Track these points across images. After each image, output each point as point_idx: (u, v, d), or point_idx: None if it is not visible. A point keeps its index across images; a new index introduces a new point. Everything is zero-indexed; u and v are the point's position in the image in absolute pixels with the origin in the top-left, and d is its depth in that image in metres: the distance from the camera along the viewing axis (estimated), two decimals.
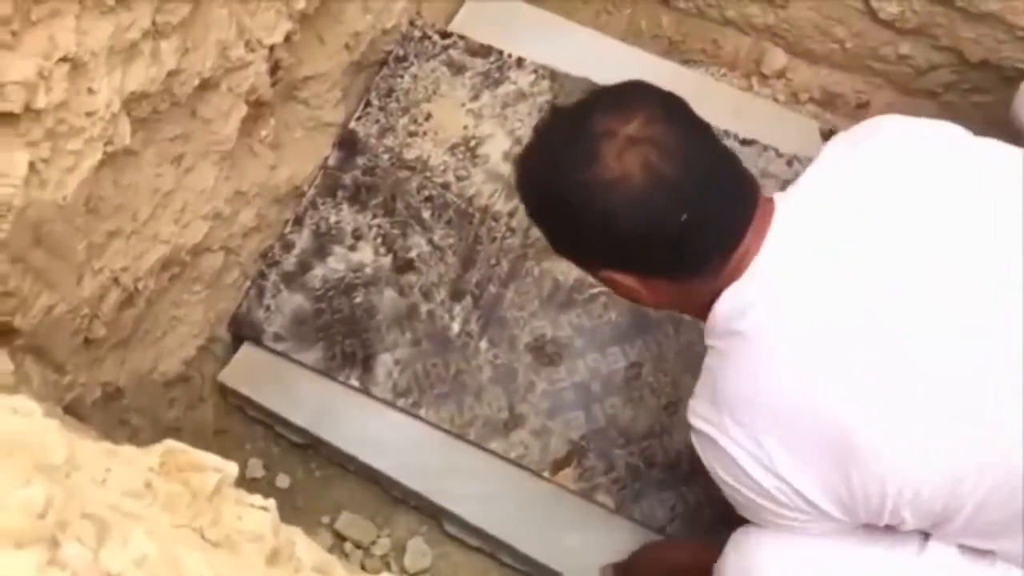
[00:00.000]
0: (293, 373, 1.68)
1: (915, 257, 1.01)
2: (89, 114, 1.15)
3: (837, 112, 1.93)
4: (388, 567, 1.61)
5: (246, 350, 1.70)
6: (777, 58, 1.95)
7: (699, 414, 1.10)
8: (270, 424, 1.71)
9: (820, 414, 1.00)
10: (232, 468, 0.63)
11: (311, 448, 1.69)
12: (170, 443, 0.61)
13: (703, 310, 1.08)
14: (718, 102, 1.86)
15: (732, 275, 1.03)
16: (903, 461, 0.99)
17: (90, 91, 1.15)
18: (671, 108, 1.04)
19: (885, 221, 1.02)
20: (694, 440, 1.11)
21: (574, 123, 1.02)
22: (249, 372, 1.69)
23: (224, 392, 1.71)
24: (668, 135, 0.99)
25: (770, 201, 1.06)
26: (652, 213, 0.99)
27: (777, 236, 1.02)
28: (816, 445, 1.01)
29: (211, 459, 0.62)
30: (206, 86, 1.40)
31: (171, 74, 1.30)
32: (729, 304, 1.04)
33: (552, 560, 1.55)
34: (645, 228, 1.00)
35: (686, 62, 1.99)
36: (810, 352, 1.01)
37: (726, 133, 1.78)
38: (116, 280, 1.36)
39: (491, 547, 1.61)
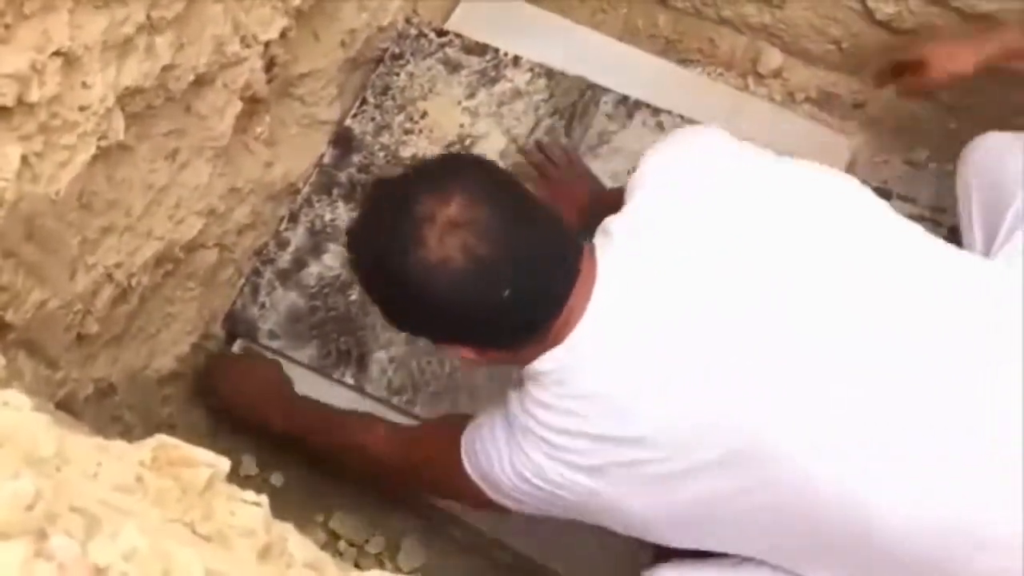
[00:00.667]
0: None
1: (725, 299, 1.05)
2: (83, 108, 1.15)
3: (834, 113, 1.93)
4: (382, 565, 1.60)
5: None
6: (773, 58, 1.95)
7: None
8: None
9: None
10: (224, 463, 0.63)
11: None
12: (161, 438, 0.61)
13: None
14: (714, 102, 1.87)
15: (557, 336, 1.06)
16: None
17: (84, 85, 1.14)
18: (488, 185, 1.06)
19: (700, 261, 1.07)
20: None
21: (397, 205, 1.05)
22: None
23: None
24: (485, 216, 1.02)
25: (591, 259, 1.08)
26: (474, 293, 1.02)
27: (597, 299, 1.05)
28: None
29: (203, 454, 0.62)
30: (201, 82, 1.40)
31: (165, 69, 1.29)
32: (547, 367, 1.07)
33: (549, 558, 1.55)
34: (470, 306, 1.04)
35: (682, 61, 1.99)
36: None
37: None
38: (109, 276, 1.35)
39: (488, 546, 1.60)
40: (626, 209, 1.12)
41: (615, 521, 1.12)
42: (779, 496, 1.03)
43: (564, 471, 1.07)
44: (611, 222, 1.11)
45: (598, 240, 1.11)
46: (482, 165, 1.12)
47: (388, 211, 1.05)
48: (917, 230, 1.13)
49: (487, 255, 1.01)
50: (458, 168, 1.09)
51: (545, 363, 1.07)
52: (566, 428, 1.06)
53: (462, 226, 1.00)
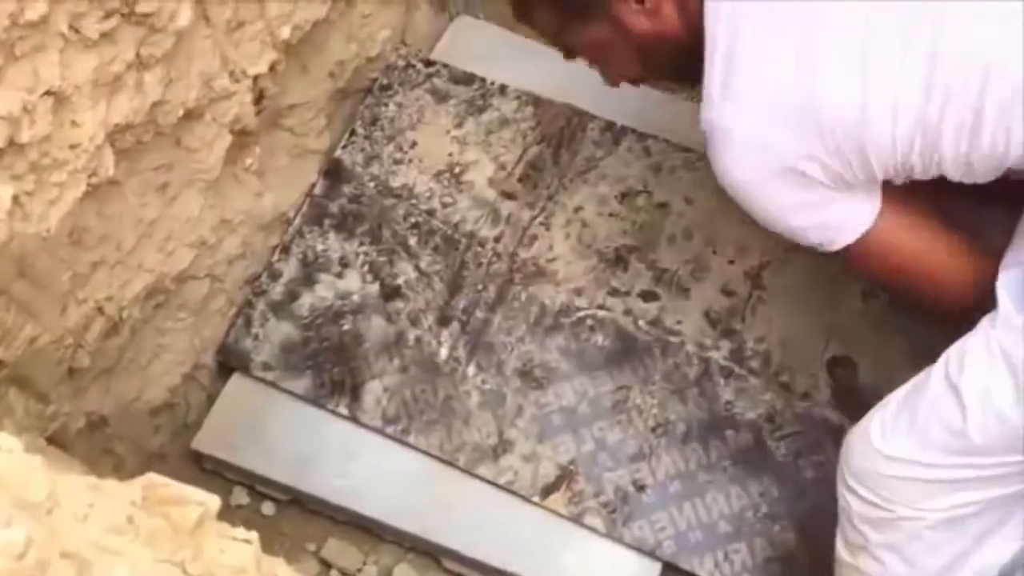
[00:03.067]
0: (269, 424, 1.66)
1: None
2: (73, 147, 1.16)
3: None
4: None
5: (216, 411, 1.68)
6: None
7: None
8: (251, 484, 1.67)
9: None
10: (214, 501, 0.63)
11: None
12: (151, 477, 0.61)
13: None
14: (696, 123, 1.87)
15: None
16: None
17: (74, 124, 1.16)
18: None
19: None
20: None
21: None
22: (223, 434, 1.66)
23: (199, 459, 1.67)
24: None
25: None
26: None
27: None
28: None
29: (193, 492, 0.62)
30: (190, 116, 1.41)
31: (155, 105, 1.30)
32: None
33: None
34: None
35: (665, 86, 2.00)
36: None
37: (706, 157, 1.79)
38: (100, 310, 1.36)
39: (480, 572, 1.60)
40: None
41: None
42: None
43: None
44: None
45: None
46: None
47: None
48: None
49: None
50: None
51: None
52: None
53: None
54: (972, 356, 1.13)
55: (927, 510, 1.18)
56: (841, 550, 1.30)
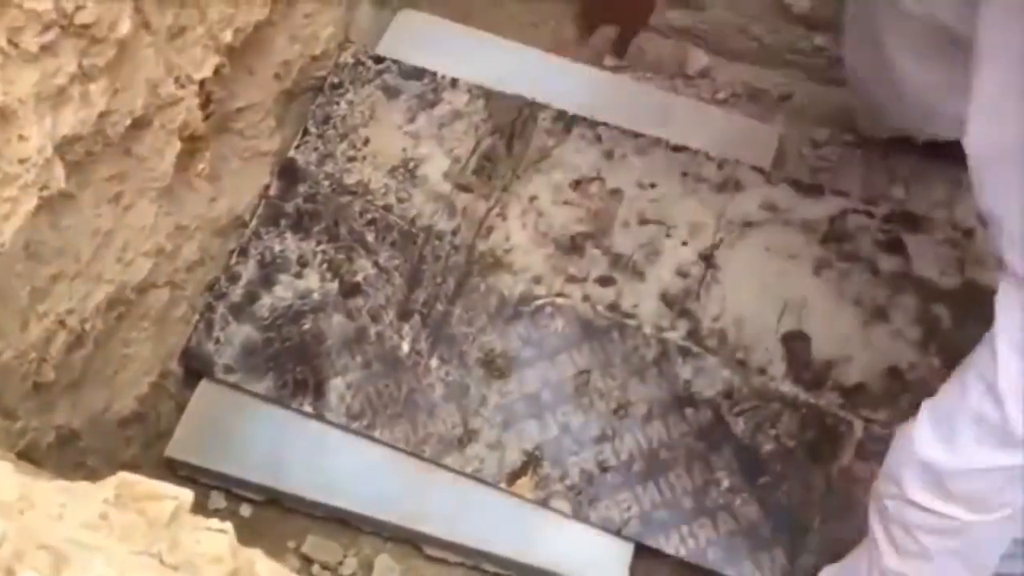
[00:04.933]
0: (240, 427, 1.67)
1: None
2: (22, 161, 1.16)
3: (761, 105, 1.98)
4: None
5: (187, 418, 1.68)
6: (699, 58, 2.00)
7: None
8: (227, 488, 1.69)
9: None
10: (187, 495, 0.64)
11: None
12: (123, 475, 0.62)
13: None
14: (645, 106, 1.91)
15: None
16: None
17: (21, 138, 1.16)
18: None
19: None
20: None
21: None
22: (196, 440, 1.67)
23: (173, 466, 1.68)
24: None
25: None
26: None
27: None
28: None
29: (166, 487, 0.63)
30: (139, 124, 1.41)
31: (102, 115, 1.31)
32: None
33: (535, 558, 1.57)
34: None
35: (613, 69, 2.03)
36: None
37: (657, 141, 1.82)
38: (62, 323, 1.36)
39: (472, 559, 1.62)
40: None
41: None
42: None
43: None
44: None
45: None
46: None
47: None
48: None
49: None
50: None
51: None
52: None
53: None
54: (1002, 355, 1.09)
55: (989, 512, 1.18)
56: (889, 558, 1.28)
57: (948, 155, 1.50)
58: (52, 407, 1.41)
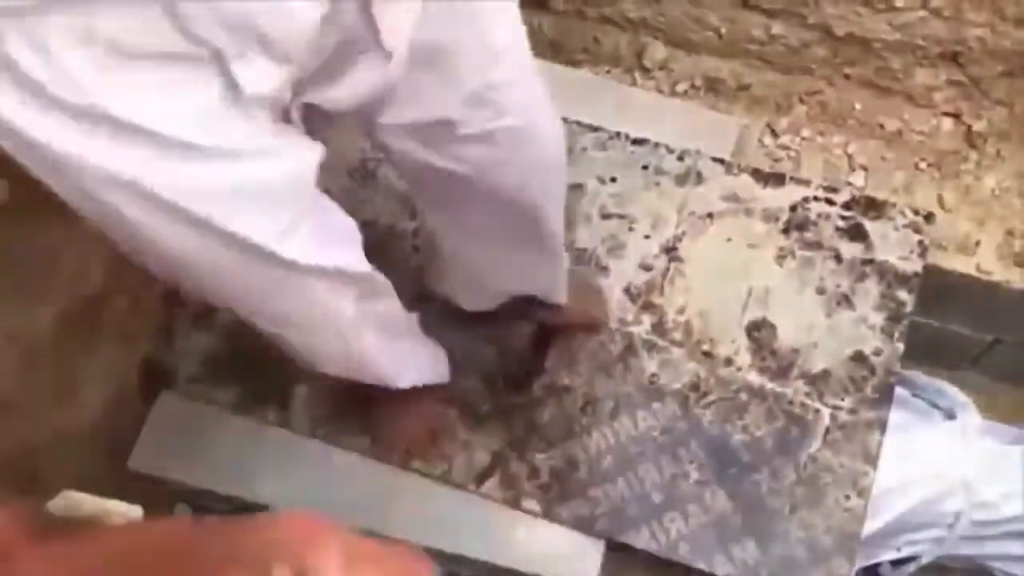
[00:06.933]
0: (203, 437, 1.65)
1: None
2: None
3: (720, 96, 1.97)
4: None
5: (148, 430, 1.66)
6: (657, 50, 1.99)
7: None
8: (192, 500, 1.66)
9: None
10: (136, 511, 0.63)
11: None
12: (69, 494, 0.61)
13: None
14: (603, 100, 1.90)
15: None
16: None
17: None
18: None
19: None
20: None
21: None
22: (158, 451, 1.65)
23: (137, 479, 1.65)
24: None
25: None
26: None
27: None
28: None
29: (115, 504, 0.62)
30: None
31: None
32: None
33: (507, 559, 1.56)
34: None
35: (569, 63, 2.02)
36: None
37: (617, 135, 1.81)
38: (15, 339, 1.34)
39: (444, 564, 1.60)
40: None
41: None
42: None
43: None
44: None
45: None
46: None
47: None
48: None
49: None
50: None
51: None
52: None
53: None
54: None
55: None
56: None
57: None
58: (11, 425, 1.39)
